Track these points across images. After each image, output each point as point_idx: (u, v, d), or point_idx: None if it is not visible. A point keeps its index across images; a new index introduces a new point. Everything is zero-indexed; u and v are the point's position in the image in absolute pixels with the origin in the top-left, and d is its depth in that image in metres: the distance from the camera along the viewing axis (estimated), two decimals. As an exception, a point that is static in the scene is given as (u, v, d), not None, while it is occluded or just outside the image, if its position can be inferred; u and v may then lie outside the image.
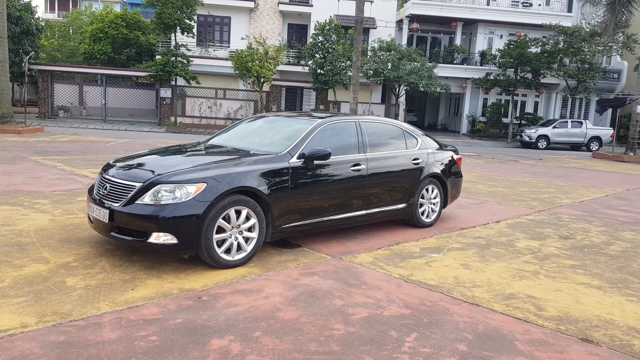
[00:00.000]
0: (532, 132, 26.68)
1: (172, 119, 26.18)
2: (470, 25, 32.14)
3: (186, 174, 4.44)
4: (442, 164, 6.77)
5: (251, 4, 29.96)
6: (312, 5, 29.98)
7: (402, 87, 28.03)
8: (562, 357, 3.24)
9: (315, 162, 5.16)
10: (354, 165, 5.57)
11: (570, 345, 3.42)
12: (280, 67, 27.56)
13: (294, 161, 5.03)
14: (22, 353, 2.90)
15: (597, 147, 26.46)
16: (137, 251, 4.82)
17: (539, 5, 32.00)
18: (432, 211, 6.65)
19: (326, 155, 5.12)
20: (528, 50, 28.02)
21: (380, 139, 6.14)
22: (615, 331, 3.68)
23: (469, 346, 3.30)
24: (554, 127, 26.76)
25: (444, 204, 6.85)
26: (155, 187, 4.30)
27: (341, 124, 5.79)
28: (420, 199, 6.45)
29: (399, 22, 31.80)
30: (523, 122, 30.99)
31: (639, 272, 5.15)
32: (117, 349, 2.99)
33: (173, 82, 26.35)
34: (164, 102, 26.65)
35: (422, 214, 6.51)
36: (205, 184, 4.35)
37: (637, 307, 4.20)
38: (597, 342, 3.49)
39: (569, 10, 32.24)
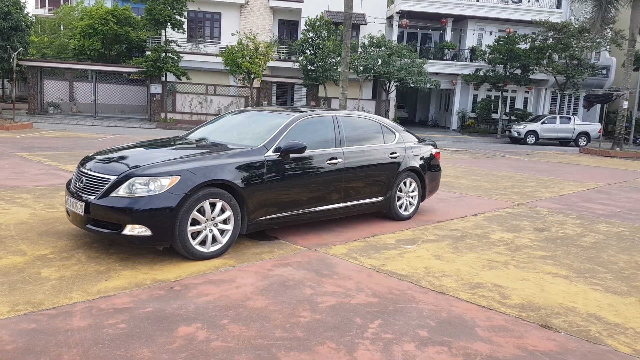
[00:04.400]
0: (521, 128, 26.87)
1: (163, 115, 26.14)
2: (460, 21, 32.27)
3: (161, 166, 4.52)
4: (420, 158, 6.87)
5: (241, 0, 29.93)
6: (302, 2, 29.97)
7: (392, 83, 28.13)
8: (519, 342, 3.35)
9: (291, 155, 5.24)
10: (331, 159, 5.66)
11: (530, 331, 3.53)
12: (271, 63, 27.57)
13: (270, 155, 5.11)
14: (-8, 340, 2.98)
15: (585, 143, 26.69)
16: (114, 244, 4.89)
17: (528, 1, 32.20)
18: (410, 204, 6.76)
19: (301, 149, 5.21)
20: (517, 46, 28.18)
21: (358, 134, 6.24)
22: (575, 318, 3.80)
23: (430, 332, 3.40)
24: (542, 123, 26.97)
25: (422, 198, 6.96)
26: (130, 180, 4.38)
27: (318, 119, 5.88)
28: (398, 192, 6.56)
29: (389, 19, 31.88)
30: (512, 118, 31.20)
31: (608, 263, 5.29)
32: (85, 336, 3.08)
33: (163, 78, 26.31)
34: (154, 98, 26.60)
35: (400, 207, 6.61)
36: (180, 177, 4.43)
37: (600, 295, 4.32)
38: (556, 328, 3.61)
39: (558, 6, 32.48)
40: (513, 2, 31.94)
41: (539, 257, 5.33)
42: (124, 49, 31.44)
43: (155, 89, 26.34)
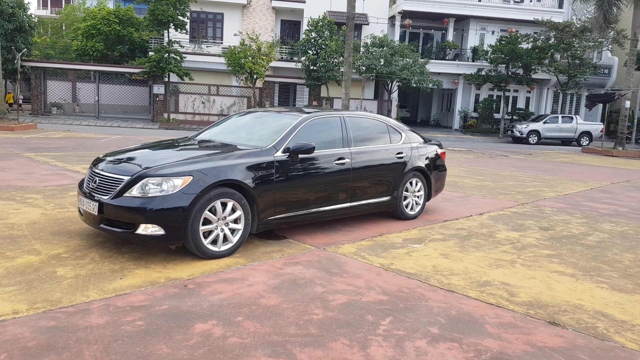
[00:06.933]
0: (523, 128, 26.92)
1: (165, 115, 26.23)
2: (462, 21, 32.33)
3: (173, 167, 4.59)
4: (426, 158, 6.94)
5: (244, 0, 30.01)
6: (304, 2, 30.05)
7: (394, 83, 28.20)
8: (528, 338, 3.41)
9: (300, 155, 5.31)
10: (339, 159, 5.73)
11: (538, 327, 3.60)
12: (273, 64, 27.69)
13: (279, 155, 5.18)
14: (14, 337, 3.05)
15: (587, 142, 26.73)
16: (126, 243, 4.96)
17: (530, 1, 32.24)
18: (416, 204, 6.82)
19: (310, 149, 5.27)
20: (519, 46, 28.23)
21: (364, 134, 6.30)
22: (582, 315, 3.87)
23: (441, 329, 3.47)
24: (544, 123, 27.01)
25: (427, 197, 7.02)
26: (143, 180, 4.45)
27: (326, 119, 5.95)
28: (404, 192, 6.62)
29: (392, 19, 31.96)
30: (515, 117, 31.24)
31: (613, 261, 5.34)
32: (104, 333, 3.15)
33: (166, 79, 26.40)
34: (157, 99, 26.70)
35: (406, 206, 6.68)
36: (192, 177, 4.50)
37: (606, 293, 4.38)
38: (564, 324, 3.67)
39: (560, 6, 32.53)
40: (515, 1, 31.97)
41: (545, 256, 5.40)
42: (127, 49, 31.52)
43: (158, 89, 26.44)
